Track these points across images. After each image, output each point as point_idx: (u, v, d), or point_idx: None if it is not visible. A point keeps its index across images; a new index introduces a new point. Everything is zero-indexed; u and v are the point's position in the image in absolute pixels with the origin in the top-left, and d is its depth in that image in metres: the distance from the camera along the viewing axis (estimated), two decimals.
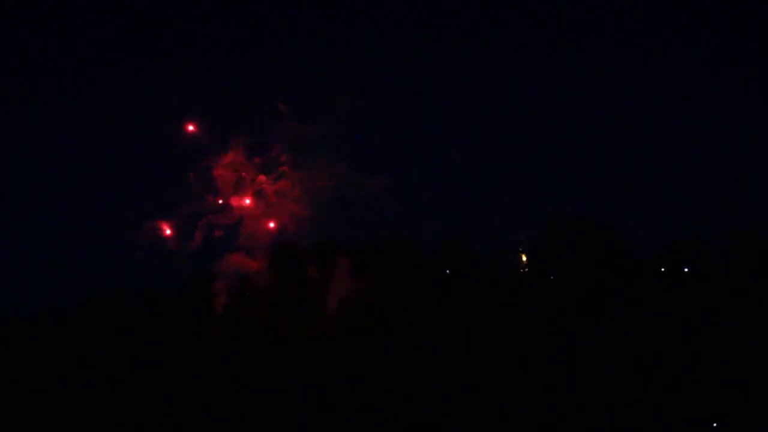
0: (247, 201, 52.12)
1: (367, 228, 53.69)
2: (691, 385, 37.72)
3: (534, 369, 39.85)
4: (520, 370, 40.20)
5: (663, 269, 52.01)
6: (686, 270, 51.08)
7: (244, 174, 51.53)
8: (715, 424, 36.23)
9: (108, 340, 46.21)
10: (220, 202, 51.21)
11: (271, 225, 52.26)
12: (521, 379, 39.63)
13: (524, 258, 56.72)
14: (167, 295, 53.80)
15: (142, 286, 53.21)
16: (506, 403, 38.24)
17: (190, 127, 50.03)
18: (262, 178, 51.80)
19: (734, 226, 51.42)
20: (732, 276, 46.98)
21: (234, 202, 51.73)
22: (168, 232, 51.00)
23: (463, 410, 38.12)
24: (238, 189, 51.85)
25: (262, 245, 52.10)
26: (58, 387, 40.98)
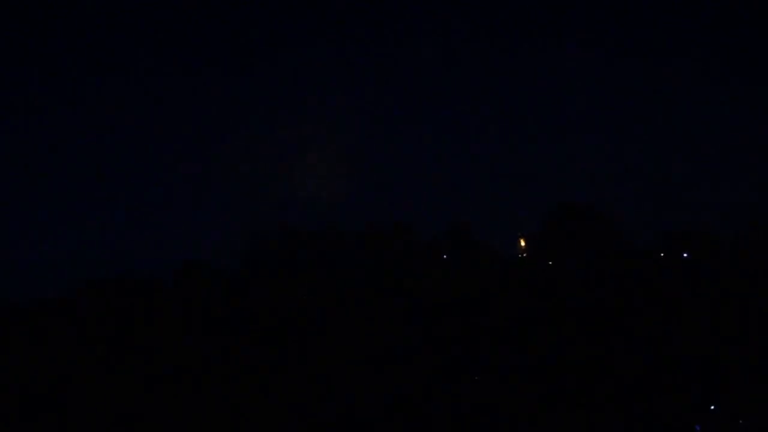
0: None
1: (365, 213, 53.75)
2: (687, 373, 38.08)
3: (532, 361, 40.07)
4: (517, 360, 40.45)
5: (662, 254, 52.17)
6: (685, 255, 51.16)
7: None
8: (712, 407, 36.71)
9: (104, 329, 45.90)
10: None
11: None
12: (519, 368, 39.88)
13: (523, 243, 56.81)
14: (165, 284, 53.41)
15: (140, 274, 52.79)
16: (504, 392, 38.54)
17: None
18: None
19: (734, 216, 51.55)
20: (734, 264, 47.11)
21: None
22: None
23: (462, 397, 38.39)
24: None
25: None
26: (57, 376, 40.79)
